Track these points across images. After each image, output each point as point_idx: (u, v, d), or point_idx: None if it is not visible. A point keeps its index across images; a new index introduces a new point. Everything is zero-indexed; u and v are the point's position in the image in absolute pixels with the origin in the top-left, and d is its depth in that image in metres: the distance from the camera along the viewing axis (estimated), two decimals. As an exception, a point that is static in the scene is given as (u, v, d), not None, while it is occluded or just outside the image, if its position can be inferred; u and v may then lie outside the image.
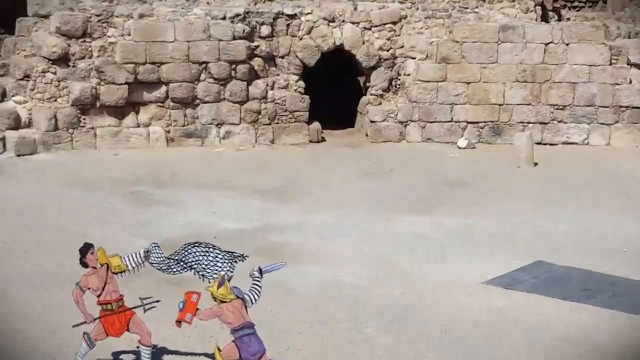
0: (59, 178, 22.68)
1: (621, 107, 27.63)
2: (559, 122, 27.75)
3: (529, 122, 27.65)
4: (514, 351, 13.46)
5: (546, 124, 27.71)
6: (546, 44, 27.58)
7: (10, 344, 12.91)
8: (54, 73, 25.76)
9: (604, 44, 27.66)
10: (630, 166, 25.61)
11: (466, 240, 18.74)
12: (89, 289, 11.62)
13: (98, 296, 11.60)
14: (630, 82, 27.65)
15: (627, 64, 27.57)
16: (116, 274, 11.72)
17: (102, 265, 11.68)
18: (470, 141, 27.27)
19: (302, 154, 26.50)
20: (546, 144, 27.51)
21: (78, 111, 25.66)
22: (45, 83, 25.75)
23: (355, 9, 27.95)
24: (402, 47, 27.90)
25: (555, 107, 27.68)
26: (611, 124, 27.77)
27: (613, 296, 15.79)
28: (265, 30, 27.19)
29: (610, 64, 27.60)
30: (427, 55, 27.70)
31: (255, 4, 27.57)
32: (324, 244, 18.25)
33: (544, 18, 30.19)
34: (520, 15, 28.60)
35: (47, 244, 16.98)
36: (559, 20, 30.63)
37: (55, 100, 25.58)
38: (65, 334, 12.61)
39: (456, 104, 27.64)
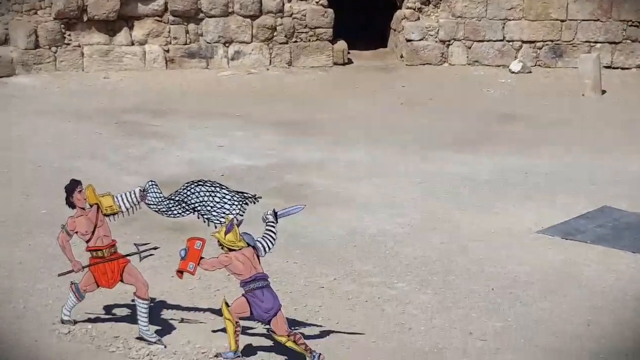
0: (41, 105, 22.82)
1: None
2: (632, 41, 27.47)
3: (596, 42, 27.48)
4: (574, 312, 13.42)
5: (617, 43, 27.48)
6: None
7: None
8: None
9: None
10: None
11: (518, 183, 18.73)
12: (76, 233, 11.70)
13: (87, 241, 11.71)
14: None
15: None
16: (108, 216, 11.83)
17: (91, 206, 11.80)
18: (526, 64, 27.18)
19: (325, 78, 26.49)
20: (617, 67, 27.27)
21: (62, 26, 25.78)
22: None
23: None
24: None
25: (629, 23, 27.43)
26: None
27: None
28: None
29: None
30: None
31: None
32: (350, 186, 18.30)
33: None
34: None
35: (27, 181, 17.09)
36: None
37: (36, 13, 25.72)
38: (50, 284, 12.85)
39: (509, 20, 27.57)
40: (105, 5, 25.66)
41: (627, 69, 27.32)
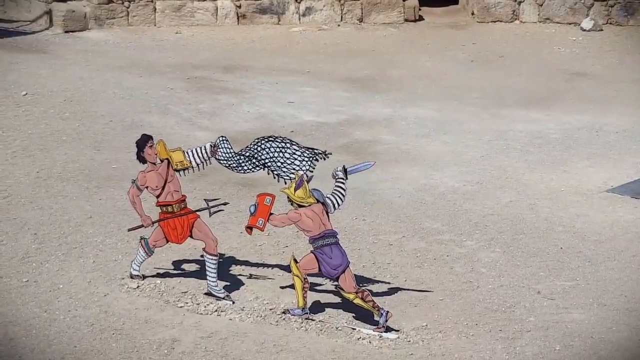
0: (113, 60, 22.92)
1: None
2: None
3: None
4: (639, 271, 13.47)
5: None
6: None
7: (58, 248, 13.21)
8: None
9: None
10: None
11: (588, 141, 18.67)
12: (146, 187, 11.82)
13: (157, 196, 11.79)
14: None
15: None
16: (178, 171, 11.89)
17: (162, 161, 11.84)
18: (597, 22, 27.01)
19: (396, 35, 26.44)
20: None
21: (134, -19, 25.74)
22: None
23: None
24: None
25: None
26: None
27: None
28: None
29: None
30: None
31: None
32: (420, 143, 18.28)
33: None
34: None
35: (98, 135, 17.22)
36: None
37: (107, -33, 25.78)
38: (119, 239, 12.95)
39: None
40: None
41: None
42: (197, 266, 12.37)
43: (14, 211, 14.42)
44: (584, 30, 26.87)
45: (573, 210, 15.72)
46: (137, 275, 12.06)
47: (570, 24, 27.18)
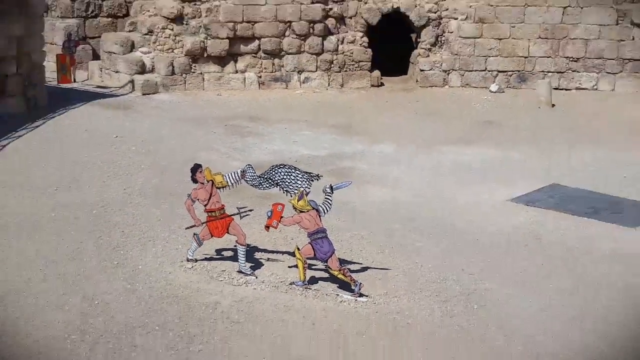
0: (174, 114, 22.93)
1: (624, 59, 27.27)
2: (573, 71, 27.42)
3: (548, 71, 27.34)
4: (529, 256, 13.62)
5: (562, 73, 27.43)
6: (564, 7, 27.20)
7: (138, 241, 13.27)
8: (172, 29, 25.94)
9: (612, 7, 27.21)
10: (630, 106, 25.24)
11: (496, 168, 18.78)
12: (197, 200, 12.02)
13: (205, 205, 12.01)
14: (633, 38, 27.29)
15: (631, 24, 27.13)
16: (219, 188, 12.06)
17: (208, 182, 12.01)
18: (500, 87, 27.02)
19: (365, 96, 26.42)
20: (562, 89, 27.09)
21: (190, 60, 25.85)
22: (165, 37, 25.97)
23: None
24: (447, 9, 27.44)
25: (570, 59, 27.37)
26: (616, 74, 27.38)
27: (614, 213, 15.91)
28: (336, -4, 27.04)
29: (617, 24, 27.22)
30: (467, 17, 27.34)
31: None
32: (382, 170, 18.38)
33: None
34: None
35: (165, 165, 17.34)
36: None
37: (172, 51, 25.83)
38: (180, 234, 13.01)
39: (490, 57, 27.45)
40: (219, 45, 25.75)
41: (569, 89, 27.23)
42: (231, 253, 12.43)
43: (108, 216, 14.50)
44: (492, 92, 26.76)
45: (485, 214, 15.82)
46: (191, 259, 12.21)
47: (482, 87, 27.08)
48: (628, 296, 12.09)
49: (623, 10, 27.38)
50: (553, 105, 25.15)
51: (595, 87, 27.37)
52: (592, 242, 14.19)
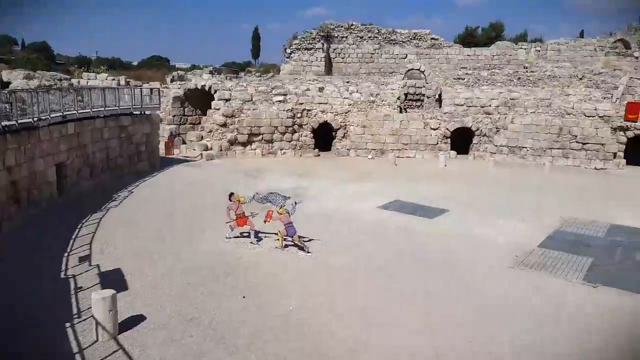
0: (222, 169, 22.67)
1: (427, 144, 27.22)
2: (405, 149, 27.24)
3: (395, 149, 27.20)
4: (384, 230, 13.49)
5: (400, 150, 27.18)
6: (401, 121, 27.32)
7: (203, 230, 13.08)
8: (220, 130, 26.08)
9: (422, 118, 27.57)
10: (430, 165, 24.87)
11: (371, 192, 18.32)
12: (231, 209, 12.16)
13: (235, 212, 12.09)
14: (432, 129, 27.26)
15: (431, 128, 27.35)
16: (242, 203, 12.23)
17: (237, 200, 12.19)
18: (373, 156, 27.04)
19: (312, 160, 26.26)
20: (400, 157, 26.80)
21: (229, 144, 25.91)
22: (217, 133, 26.08)
23: (332, 107, 28.01)
24: (349, 121, 27.73)
25: (404, 143, 27.23)
26: (423, 150, 27.21)
27: (424, 212, 15.69)
28: (298, 114, 27.33)
29: (424, 127, 27.32)
30: (357, 125, 27.48)
31: (296, 104, 27.67)
32: (321, 193, 18.01)
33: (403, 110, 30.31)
34: (393, 108, 28.60)
35: (215, 193, 16.70)
36: (407, 111, 30.62)
37: (221, 140, 25.93)
38: (224, 227, 12.50)
39: (368, 142, 27.40)
40: (243, 137, 25.88)
41: (403, 157, 27.00)
42: (247, 234, 12.29)
43: (182, 218, 14.19)
44: (369, 158, 26.75)
45: (366, 213, 15.24)
46: (228, 238, 12.22)
47: (365, 156, 27.21)
48: (419, 241, 12.17)
49: (428, 118, 27.46)
50: (396, 164, 24.95)
51: (415, 156, 27.14)
52: (413, 226, 14.17)
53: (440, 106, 29.14)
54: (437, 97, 30.64)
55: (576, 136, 25.60)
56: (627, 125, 25.01)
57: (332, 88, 28.94)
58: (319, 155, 27.45)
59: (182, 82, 30.38)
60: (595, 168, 25.00)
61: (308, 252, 11.58)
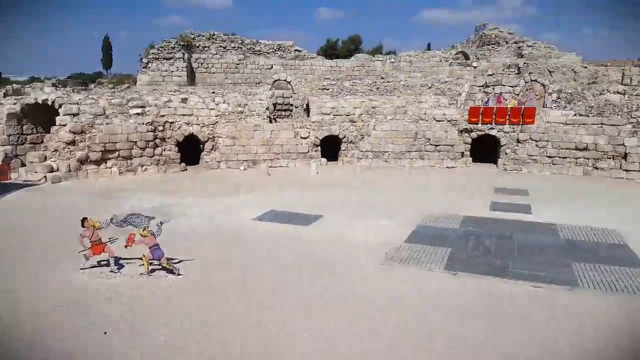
0: (71, 192, 20.57)
1: (299, 152, 27.83)
2: (277, 159, 27.55)
3: (267, 159, 27.37)
4: (259, 237, 13.22)
5: (272, 160, 27.42)
6: (272, 131, 27.55)
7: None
8: (68, 148, 23.60)
9: (292, 127, 28.13)
10: (305, 171, 25.68)
11: (245, 204, 17.95)
12: (85, 236, 11.08)
13: (90, 239, 11.05)
14: (302, 137, 27.97)
15: (302, 137, 28.08)
16: (98, 228, 11.21)
17: (91, 226, 11.15)
18: (245, 167, 27.00)
19: (177, 175, 25.09)
20: (273, 167, 27.07)
21: (79, 163, 23.59)
22: (65, 152, 23.57)
23: (197, 118, 27.16)
24: (217, 133, 27.24)
25: (275, 153, 27.52)
26: (295, 159, 27.71)
27: (298, 220, 15.74)
28: (160, 127, 25.95)
29: (295, 137, 27.89)
30: (227, 136, 27.12)
31: (157, 117, 26.23)
32: (190, 210, 17.12)
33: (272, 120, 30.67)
34: (263, 119, 28.74)
35: (68, 219, 15.24)
36: (277, 121, 31.09)
37: (69, 159, 23.48)
38: (76, 262, 11.61)
39: (239, 153, 27.20)
40: (96, 155, 23.78)
41: (276, 167, 27.35)
42: (106, 262, 11.29)
43: (25, 251, 12.56)
44: (241, 170, 26.60)
45: (241, 225, 14.81)
46: (84, 268, 11.21)
47: (236, 168, 26.93)
48: (295, 249, 12.27)
49: (298, 128, 28.20)
50: (269, 174, 25.03)
51: (288, 165, 27.46)
52: (289, 234, 14.18)
53: (308, 115, 30.14)
54: (304, 106, 31.66)
55: (429, 139, 28.48)
56: (470, 128, 28.58)
57: (196, 99, 28.14)
58: (186, 169, 26.46)
59: (19, 97, 26.83)
60: (447, 167, 28.06)
61: (179, 275, 10.94)
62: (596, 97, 29.05)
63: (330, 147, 29.14)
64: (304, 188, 21.44)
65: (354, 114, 29.52)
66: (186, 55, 37.60)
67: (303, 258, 12.20)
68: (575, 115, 27.22)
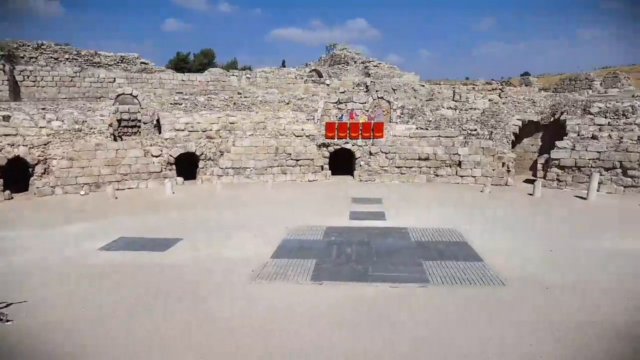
0: None
1: (150, 172, 26.25)
2: (126, 180, 25.46)
3: (113, 181, 25.13)
4: (111, 275, 12.12)
5: (120, 181, 25.29)
6: (117, 149, 25.50)
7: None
8: None
9: (141, 145, 26.47)
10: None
11: (87, 234, 16.02)
12: None
13: None
14: (154, 156, 26.54)
15: (153, 156, 26.56)
16: None
17: None
18: (86, 191, 24.38)
19: (3, 204, 21.32)
20: (120, 189, 24.99)
21: None
22: None
23: (24, 138, 23.82)
24: (50, 154, 24.14)
25: (122, 174, 25.51)
26: (147, 179, 26.02)
27: (162, 245, 14.69)
28: None
29: (145, 155, 26.26)
30: (63, 157, 24.25)
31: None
32: (12, 246, 14.67)
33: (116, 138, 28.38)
34: (106, 137, 26.40)
35: None
36: (123, 138, 28.87)
37: None
38: None
39: (79, 176, 24.47)
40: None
41: (124, 189, 25.57)
42: None
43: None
44: (82, 195, 24.18)
45: (82, 262, 13.37)
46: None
47: (76, 192, 24.28)
48: (154, 278, 11.61)
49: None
50: (116, 197, 22.94)
51: (139, 186, 25.71)
52: (143, 262, 13.09)
53: (160, 132, 28.57)
54: (154, 122, 29.94)
55: (290, 154, 29.22)
56: (328, 142, 30.06)
57: (22, 116, 24.74)
58: (11, 198, 22.77)
59: None
60: (309, 180, 29.06)
61: (8, 321, 9.34)
62: (433, 113, 32.95)
63: (187, 165, 28.02)
64: (158, 210, 20.21)
65: (211, 130, 28.85)
66: (7, 67, 33.17)
67: (161, 287, 11.41)
68: (417, 129, 30.59)
